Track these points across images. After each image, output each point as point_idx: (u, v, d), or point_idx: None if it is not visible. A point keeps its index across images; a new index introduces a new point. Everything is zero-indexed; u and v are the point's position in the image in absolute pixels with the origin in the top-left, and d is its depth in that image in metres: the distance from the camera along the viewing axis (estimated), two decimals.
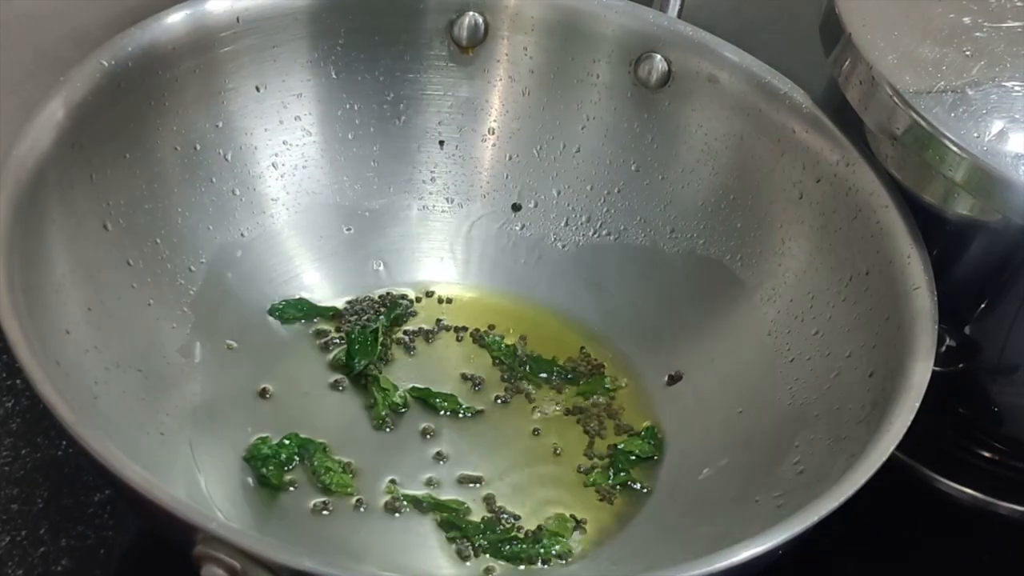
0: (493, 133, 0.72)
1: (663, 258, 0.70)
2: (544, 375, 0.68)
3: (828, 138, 0.65)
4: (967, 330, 0.63)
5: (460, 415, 0.66)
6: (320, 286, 0.70)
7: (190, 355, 0.64)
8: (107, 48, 0.62)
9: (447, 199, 0.72)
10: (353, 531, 0.61)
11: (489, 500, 0.63)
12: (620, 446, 0.65)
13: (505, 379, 0.68)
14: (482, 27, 0.70)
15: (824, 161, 0.65)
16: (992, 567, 0.67)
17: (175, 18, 0.64)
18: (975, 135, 0.57)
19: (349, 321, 0.69)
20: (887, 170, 0.63)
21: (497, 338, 0.69)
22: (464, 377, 0.68)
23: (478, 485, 0.63)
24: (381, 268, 0.71)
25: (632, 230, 0.71)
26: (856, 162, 0.64)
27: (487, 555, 0.61)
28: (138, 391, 0.61)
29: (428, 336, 0.69)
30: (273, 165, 0.69)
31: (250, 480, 0.62)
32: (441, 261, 0.72)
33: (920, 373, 0.56)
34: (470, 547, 0.61)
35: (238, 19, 0.66)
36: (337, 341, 0.68)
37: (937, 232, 0.61)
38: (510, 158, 0.72)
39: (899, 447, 0.54)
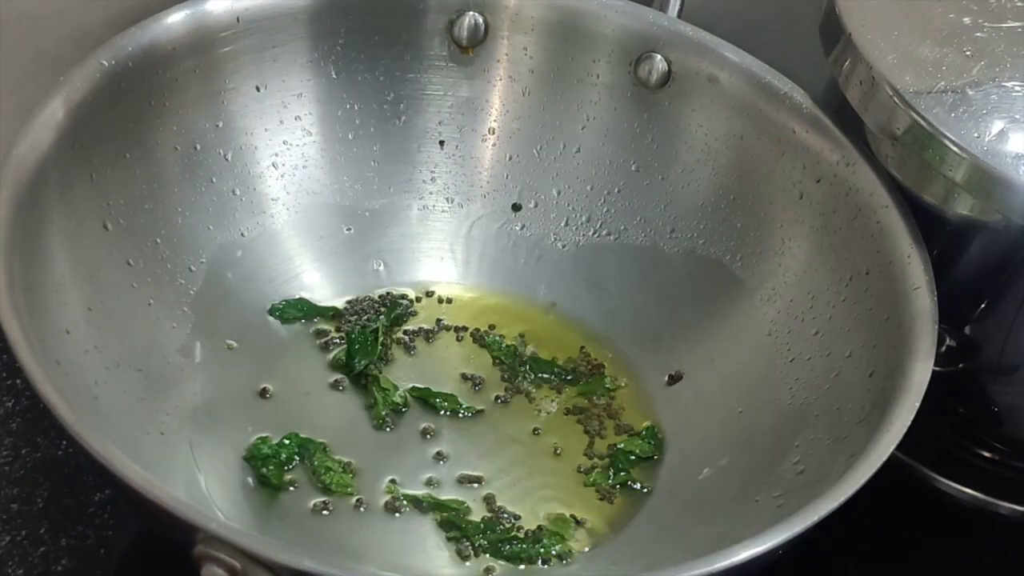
0: (493, 133, 0.72)
1: (663, 258, 0.70)
2: (544, 375, 0.68)
3: (828, 138, 0.65)
4: (967, 330, 0.63)
5: (460, 415, 0.66)
6: (320, 286, 0.70)
7: (190, 355, 0.64)
8: (107, 48, 0.62)
9: (447, 199, 0.72)
10: (353, 531, 0.61)
11: (489, 500, 0.63)
12: (620, 446, 0.65)
13: (505, 379, 0.68)
14: (482, 27, 0.70)
15: (824, 161, 0.65)
16: (992, 567, 0.67)
17: (175, 18, 0.64)
18: (975, 135, 0.57)
19: (349, 321, 0.69)
20: (887, 170, 0.63)
21: (497, 338, 0.69)
22: (464, 377, 0.68)
23: (478, 485, 0.63)
24: (381, 268, 0.71)
25: (632, 230, 0.71)
26: (856, 162, 0.64)
27: (487, 555, 0.61)
28: (138, 391, 0.61)
29: (428, 336, 0.69)
30: (273, 165, 0.69)
31: (250, 480, 0.62)
32: (441, 261, 0.72)
33: (920, 373, 0.56)
34: (470, 547, 0.61)
35: (238, 19, 0.66)
36: (337, 341, 0.68)
37: (937, 232, 0.61)
38: (510, 158, 0.72)
39: (899, 447, 0.54)
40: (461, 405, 0.66)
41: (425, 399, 0.66)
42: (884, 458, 0.53)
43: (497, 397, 0.67)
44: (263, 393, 0.65)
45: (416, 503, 0.62)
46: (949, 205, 0.60)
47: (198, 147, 0.66)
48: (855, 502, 0.52)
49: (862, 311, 0.62)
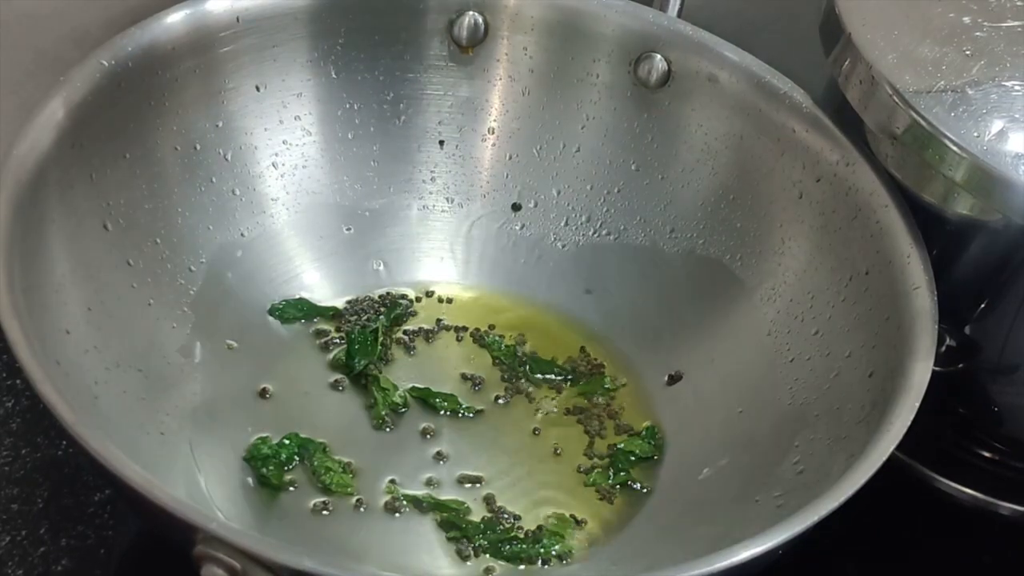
0: (493, 133, 0.72)
1: (663, 258, 0.70)
2: (544, 375, 0.68)
3: (828, 138, 0.65)
4: (967, 330, 0.63)
5: (460, 415, 0.66)
6: (320, 286, 0.70)
7: (190, 355, 0.64)
8: (107, 48, 0.62)
9: (447, 199, 0.72)
10: (353, 531, 0.61)
11: (489, 500, 0.63)
12: (620, 446, 0.65)
13: (505, 379, 0.68)
14: (482, 27, 0.70)
15: (824, 161, 0.65)
16: (992, 567, 0.67)
17: (175, 18, 0.64)
18: (975, 135, 0.57)
19: (349, 321, 0.69)
20: (887, 170, 0.63)
21: (497, 338, 0.69)
22: (464, 377, 0.68)
23: (478, 485, 0.63)
24: (381, 268, 0.71)
25: (632, 230, 0.71)
26: (856, 162, 0.64)
27: (487, 555, 0.61)
28: (138, 391, 0.61)
29: (428, 336, 0.69)
30: (273, 165, 0.69)
31: (250, 480, 0.62)
32: (441, 261, 0.72)
33: (920, 373, 0.56)
34: (470, 547, 0.61)
35: (238, 19, 0.66)
36: (337, 341, 0.68)
37: (937, 232, 0.61)
38: (510, 158, 0.72)
39: (899, 447, 0.54)
40: (461, 405, 0.66)
41: (425, 399, 0.66)
42: (884, 458, 0.53)
43: (497, 397, 0.67)
44: (263, 393, 0.65)
45: (416, 503, 0.62)
46: (949, 205, 0.60)
47: (198, 147, 0.66)
48: (855, 502, 0.52)
49: (862, 311, 0.62)
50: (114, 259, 0.62)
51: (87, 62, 0.61)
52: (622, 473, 0.64)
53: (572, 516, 0.63)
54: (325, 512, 0.61)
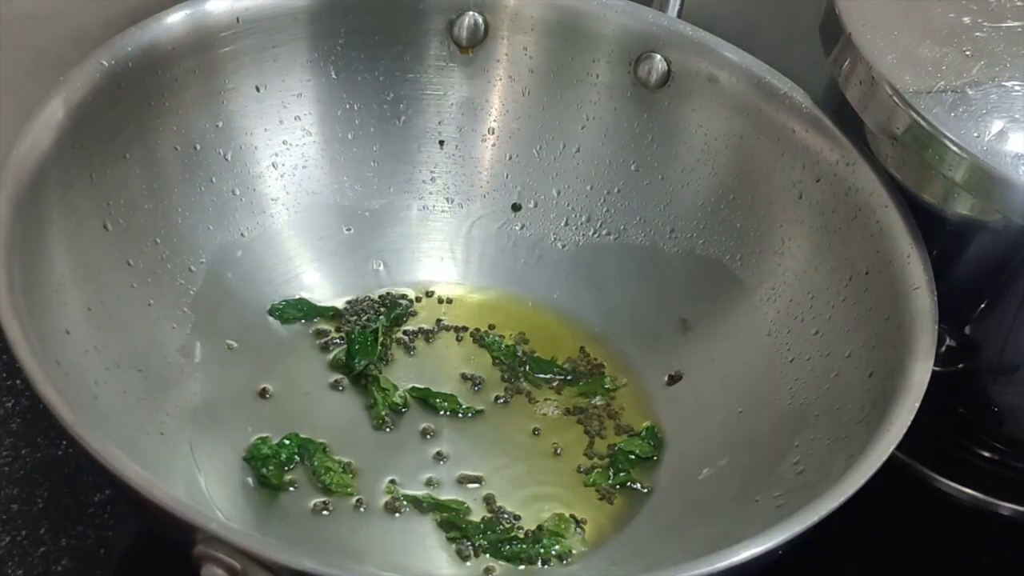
0: (493, 133, 0.72)
1: (663, 258, 0.70)
2: (544, 375, 0.68)
3: (828, 138, 0.65)
4: (967, 330, 0.63)
5: (460, 415, 0.66)
6: (320, 286, 0.70)
7: (190, 355, 0.64)
8: (107, 48, 0.62)
9: (447, 199, 0.72)
10: (353, 531, 0.61)
11: (489, 500, 0.63)
12: (620, 446, 0.65)
13: (505, 379, 0.68)
14: (482, 27, 0.70)
15: (824, 161, 0.65)
16: (992, 567, 0.67)
17: (175, 18, 0.64)
18: (975, 135, 0.57)
19: (349, 321, 0.69)
20: (887, 170, 0.63)
21: (497, 338, 0.69)
22: (464, 377, 0.68)
23: (478, 485, 0.63)
24: (381, 268, 0.71)
25: (632, 230, 0.71)
26: (856, 162, 0.64)
27: (487, 555, 0.61)
28: (138, 391, 0.61)
29: (428, 336, 0.69)
30: (273, 165, 0.69)
31: (250, 480, 0.62)
32: (441, 261, 0.72)
33: (920, 373, 0.56)
34: (470, 547, 0.61)
35: (238, 19, 0.66)
36: (337, 341, 0.68)
37: (937, 232, 0.61)
38: (510, 158, 0.72)
39: (899, 447, 0.54)
40: (461, 405, 0.66)
41: (425, 399, 0.66)
42: (884, 458, 0.53)
43: (497, 397, 0.67)
44: (263, 393, 0.65)
45: (416, 503, 0.62)
46: (949, 205, 0.60)
47: (198, 147, 0.66)
48: (855, 502, 0.52)
49: (862, 311, 0.62)
50: (114, 259, 0.62)
51: (87, 62, 0.61)
52: (622, 473, 0.64)
53: (572, 516, 0.63)
54: (325, 512, 0.61)
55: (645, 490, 0.64)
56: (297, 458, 0.63)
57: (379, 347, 0.67)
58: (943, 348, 0.60)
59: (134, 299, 0.63)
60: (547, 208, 0.72)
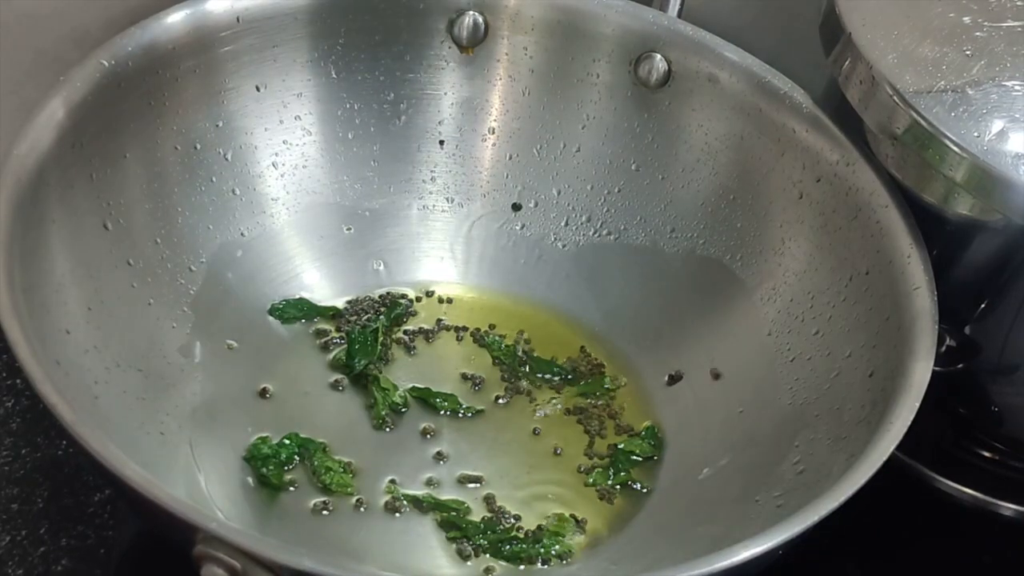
0: (493, 133, 0.72)
1: (663, 258, 0.70)
2: (544, 375, 0.68)
3: (828, 138, 0.65)
4: (967, 330, 0.63)
5: (460, 415, 0.66)
6: (320, 286, 0.70)
7: (190, 355, 0.64)
8: (107, 48, 0.62)
9: (447, 199, 0.72)
10: (353, 531, 0.61)
11: (489, 500, 0.63)
12: (620, 446, 0.65)
13: (505, 379, 0.68)
14: (482, 27, 0.70)
15: (824, 161, 0.65)
16: (992, 567, 0.67)
17: (175, 18, 0.64)
18: (975, 135, 0.57)
19: (349, 321, 0.69)
20: (887, 170, 0.63)
21: (497, 338, 0.69)
22: (464, 377, 0.68)
23: (478, 485, 0.63)
24: (381, 268, 0.71)
25: (632, 230, 0.71)
26: (856, 162, 0.64)
27: (487, 555, 0.61)
28: (138, 391, 0.61)
29: (428, 336, 0.69)
30: (273, 165, 0.69)
31: (250, 480, 0.62)
32: (441, 261, 0.72)
33: (920, 373, 0.56)
34: (470, 547, 0.61)
35: (238, 19, 0.66)
36: (337, 341, 0.68)
37: (937, 232, 0.61)
38: (510, 158, 0.72)
39: (899, 447, 0.54)
40: (461, 405, 0.66)
41: (425, 399, 0.66)
42: (884, 458, 0.53)
43: (497, 397, 0.67)
44: (263, 393, 0.65)
45: (416, 503, 0.62)
46: (949, 205, 0.60)
47: (198, 147, 0.66)
48: (855, 502, 0.52)
49: (862, 311, 0.62)
50: (114, 259, 0.62)
51: (87, 62, 0.61)
52: (622, 473, 0.64)
53: (572, 516, 0.63)
54: (325, 512, 0.61)
55: (645, 490, 0.64)
56: (297, 458, 0.63)
57: (379, 347, 0.67)
58: (943, 348, 0.60)
59: (134, 299, 0.63)
60: (547, 208, 0.72)
